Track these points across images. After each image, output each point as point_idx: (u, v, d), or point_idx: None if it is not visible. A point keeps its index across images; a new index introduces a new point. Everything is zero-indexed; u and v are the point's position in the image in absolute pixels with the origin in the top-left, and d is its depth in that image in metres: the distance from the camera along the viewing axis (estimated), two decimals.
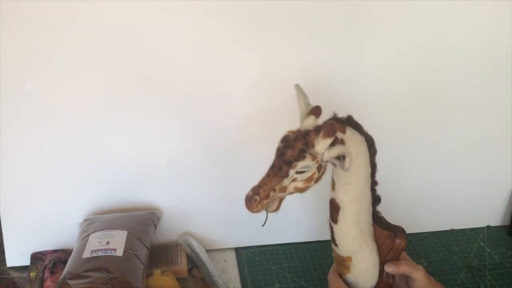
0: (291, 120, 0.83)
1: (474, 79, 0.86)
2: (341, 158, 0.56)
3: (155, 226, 0.85)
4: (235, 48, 0.77)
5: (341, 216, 0.66)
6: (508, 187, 0.99)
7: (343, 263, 0.69)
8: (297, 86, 0.62)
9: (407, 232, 0.66)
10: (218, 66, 0.77)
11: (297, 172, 0.55)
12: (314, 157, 0.54)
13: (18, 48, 0.71)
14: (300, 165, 0.54)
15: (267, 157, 0.86)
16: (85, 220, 0.83)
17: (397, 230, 0.66)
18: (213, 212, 0.90)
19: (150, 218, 0.84)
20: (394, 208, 0.95)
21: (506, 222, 1.01)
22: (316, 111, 0.57)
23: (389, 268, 0.66)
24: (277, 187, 0.55)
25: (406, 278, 0.69)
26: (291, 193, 0.57)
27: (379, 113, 0.85)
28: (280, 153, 0.55)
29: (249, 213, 0.90)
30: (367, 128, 0.59)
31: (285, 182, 0.55)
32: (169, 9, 0.72)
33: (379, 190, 0.84)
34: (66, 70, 0.74)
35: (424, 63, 0.83)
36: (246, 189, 0.96)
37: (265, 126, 0.84)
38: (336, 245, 0.67)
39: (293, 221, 0.80)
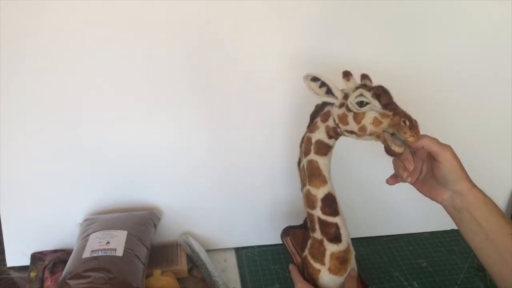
0: (289, 122, 0.83)
1: (474, 79, 0.86)
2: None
3: (155, 226, 0.85)
4: (235, 49, 0.77)
5: (339, 205, 0.67)
6: (508, 187, 0.99)
7: (346, 256, 0.68)
8: (305, 78, 0.64)
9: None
10: (220, 69, 0.77)
11: None
12: None
13: (16, 45, 0.71)
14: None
15: (267, 158, 0.87)
16: (85, 220, 0.83)
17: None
18: (213, 212, 0.90)
19: (150, 218, 0.84)
20: (394, 208, 0.96)
21: None
22: (347, 73, 0.63)
23: (411, 138, 0.57)
24: None
25: (432, 163, 0.61)
26: None
27: None
28: (383, 91, 0.60)
29: (249, 213, 0.91)
30: None
31: None
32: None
33: (380, 190, 0.84)
34: (66, 70, 0.73)
35: (423, 63, 0.82)
36: (246, 189, 0.96)
37: (265, 127, 0.84)
38: (340, 240, 0.67)
39: (293, 221, 0.80)
